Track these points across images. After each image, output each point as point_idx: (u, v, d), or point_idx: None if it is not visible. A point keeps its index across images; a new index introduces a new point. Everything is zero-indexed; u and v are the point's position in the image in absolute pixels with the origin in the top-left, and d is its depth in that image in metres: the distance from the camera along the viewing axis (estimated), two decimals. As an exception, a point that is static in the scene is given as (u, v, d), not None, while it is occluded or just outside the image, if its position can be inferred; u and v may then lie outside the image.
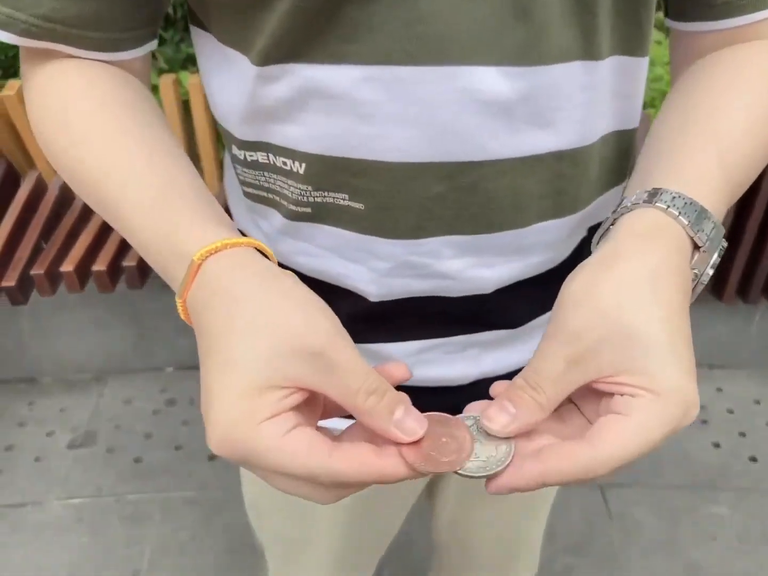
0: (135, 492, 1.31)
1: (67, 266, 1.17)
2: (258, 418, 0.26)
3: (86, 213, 1.25)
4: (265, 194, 0.43)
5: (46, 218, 1.21)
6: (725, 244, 0.33)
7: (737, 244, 1.30)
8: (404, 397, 0.28)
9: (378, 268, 0.42)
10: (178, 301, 0.30)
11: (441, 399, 0.46)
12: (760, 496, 1.32)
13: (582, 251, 0.46)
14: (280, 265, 0.47)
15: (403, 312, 0.44)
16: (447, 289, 0.43)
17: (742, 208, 1.26)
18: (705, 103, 0.38)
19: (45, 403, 1.50)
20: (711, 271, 0.32)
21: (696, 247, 0.32)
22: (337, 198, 0.39)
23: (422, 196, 0.38)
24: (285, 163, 0.39)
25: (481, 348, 0.47)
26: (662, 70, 1.34)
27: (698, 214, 0.31)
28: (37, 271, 1.16)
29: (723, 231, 0.33)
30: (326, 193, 0.39)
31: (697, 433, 1.44)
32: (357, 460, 0.26)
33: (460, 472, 0.27)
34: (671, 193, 0.32)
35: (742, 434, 1.44)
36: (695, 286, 0.32)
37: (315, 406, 0.30)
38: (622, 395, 0.27)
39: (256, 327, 0.27)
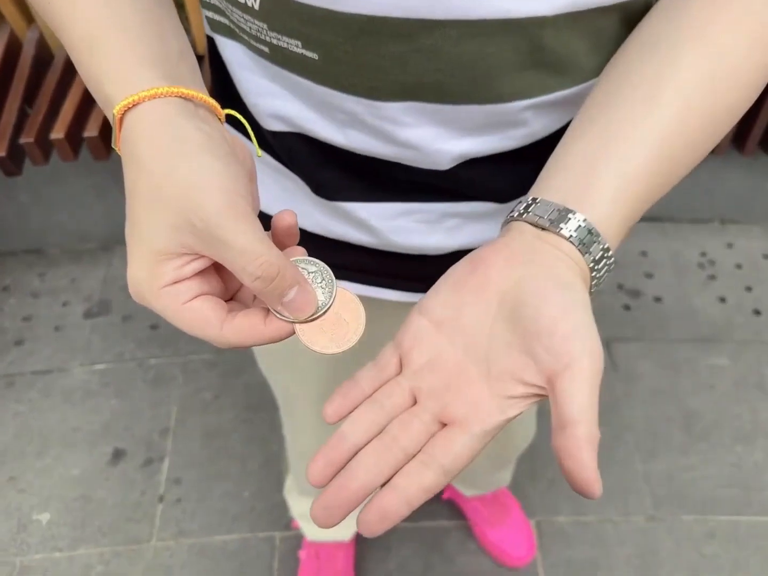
0: (155, 357, 1.36)
1: (58, 133, 1.10)
2: (159, 283, 0.28)
3: (69, 72, 1.15)
4: (227, 22, 0.40)
5: (26, 79, 1.13)
6: (610, 269, 0.32)
7: (762, 94, 1.21)
8: (300, 278, 0.29)
9: (340, 119, 0.40)
10: (116, 149, 0.31)
11: (419, 266, 0.48)
12: (760, 346, 1.37)
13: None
14: (245, 111, 0.45)
15: (372, 169, 0.42)
16: (412, 160, 0.41)
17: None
18: (652, 62, 0.32)
19: (55, 273, 1.50)
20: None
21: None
22: (291, 44, 0.36)
23: (377, 54, 0.35)
24: None
25: (461, 219, 0.46)
26: None
27: (599, 247, 0.30)
28: (27, 139, 1.10)
29: (610, 254, 0.31)
30: (281, 36, 0.36)
31: (703, 289, 1.46)
32: (245, 330, 0.29)
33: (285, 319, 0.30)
34: (578, 221, 0.30)
35: (748, 288, 1.46)
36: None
37: (227, 272, 0.31)
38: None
39: (153, 197, 0.28)
